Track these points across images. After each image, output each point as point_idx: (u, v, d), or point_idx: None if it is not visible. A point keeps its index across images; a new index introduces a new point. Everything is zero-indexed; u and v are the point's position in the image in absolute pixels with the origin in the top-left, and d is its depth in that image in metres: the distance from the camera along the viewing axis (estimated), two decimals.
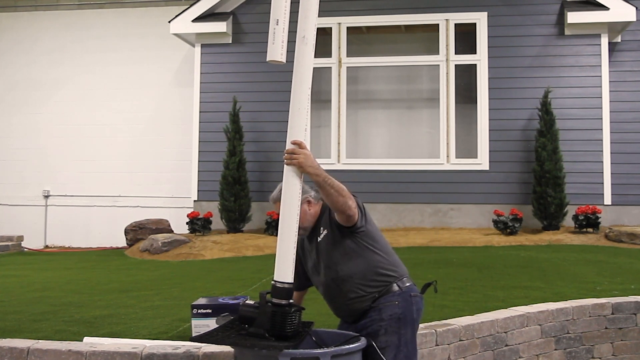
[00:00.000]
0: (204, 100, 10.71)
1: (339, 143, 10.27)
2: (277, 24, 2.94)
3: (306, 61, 2.98)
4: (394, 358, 3.01)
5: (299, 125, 2.96)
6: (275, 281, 2.85)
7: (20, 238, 10.78)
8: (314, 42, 3.01)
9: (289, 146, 2.93)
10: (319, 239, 3.17)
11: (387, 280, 3.11)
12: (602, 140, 9.66)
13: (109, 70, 12.37)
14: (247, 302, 2.92)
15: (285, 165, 2.93)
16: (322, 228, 3.18)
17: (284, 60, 2.98)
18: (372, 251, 3.13)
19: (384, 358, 2.99)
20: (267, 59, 3.00)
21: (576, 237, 8.77)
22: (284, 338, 2.75)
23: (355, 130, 10.78)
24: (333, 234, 3.13)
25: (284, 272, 2.86)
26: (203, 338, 2.92)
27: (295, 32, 2.94)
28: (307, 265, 3.31)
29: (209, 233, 9.79)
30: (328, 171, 3.02)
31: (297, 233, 2.90)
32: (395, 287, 3.11)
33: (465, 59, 10.22)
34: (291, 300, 2.85)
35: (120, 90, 12.28)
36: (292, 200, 2.91)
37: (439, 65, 10.22)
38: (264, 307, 2.79)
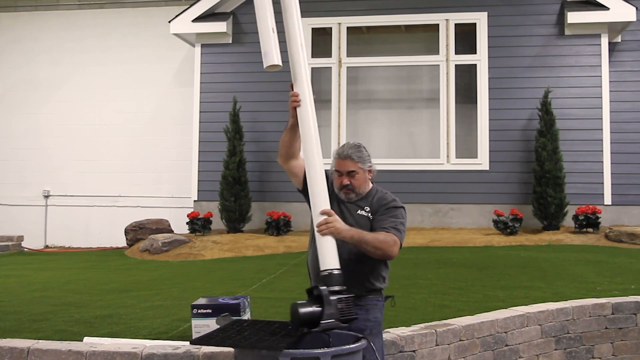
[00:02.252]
0: (204, 100, 10.71)
1: (339, 143, 10.26)
2: (273, 32, 3.08)
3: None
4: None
5: (308, 125, 3.02)
6: (327, 270, 2.90)
7: (20, 238, 10.78)
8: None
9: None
10: (359, 212, 3.24)
11: (378, 286, 3.23)
12: (602, 140, 9.66)
13: (109, 70, 12.37)
14: (297, 303, 2.81)
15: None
16: (367, 208, 3.25)
17: (280, 63, 3.07)
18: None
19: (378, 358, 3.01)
20: (265, 65, 3.09)
21: (576, 237, 8.77)
22: (348, 322, 2.80)
23: (356, 130, 10.78)
24: (372, 222, 3.20)
25: (330, 259, 2.93)
26: (202, 340, 2.92)
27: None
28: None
29: (209, 233, 9.79)
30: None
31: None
32: (380, 294, 3.25)
33: (465, 59, 10.22)
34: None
35: (120, 90, 12.28)
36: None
37: (439, 65, 10.22)
38: (327, 298, 2.78)
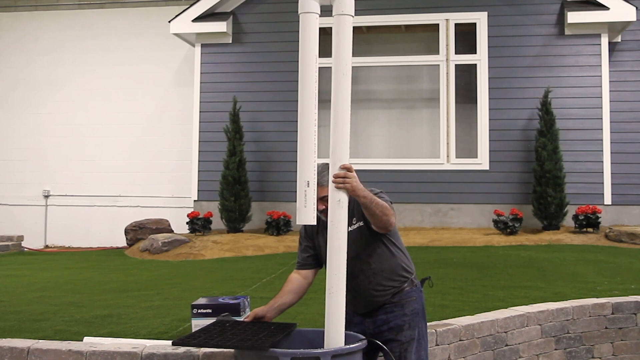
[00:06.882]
0: (204, 100, 10.71)
1: None
2: (308, 186, 2.88)
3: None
4: (416, 351, 3.15)
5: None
6: None
7: (20, 238, 10.78)
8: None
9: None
10: (350, 229, 3.12)
11: (406, 276, 3.24)
12: (602, 140, 9.66)
13: (109, 70, 12.37)
14: None
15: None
16: (354, 219, 3.17)
17: (315, 222, 2.93)
18: (398, 248, 3.25)
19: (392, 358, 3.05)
20: (298, 222, 2.95)
21: (576, 237, 8.77)
22: None
23: (356, 130, 10.76)
24: (368, 228, 3.15)
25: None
26: (185, 341, 2.91)
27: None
28: (323, 249, 3.18)
29: (209, 233, 9.79)
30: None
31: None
32: (412, 284, 3.25)
33: (465, 59, 10.22)
34: None
35: (120, 90, 12.28)
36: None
37: (439, 65, 10.22)
38: None
